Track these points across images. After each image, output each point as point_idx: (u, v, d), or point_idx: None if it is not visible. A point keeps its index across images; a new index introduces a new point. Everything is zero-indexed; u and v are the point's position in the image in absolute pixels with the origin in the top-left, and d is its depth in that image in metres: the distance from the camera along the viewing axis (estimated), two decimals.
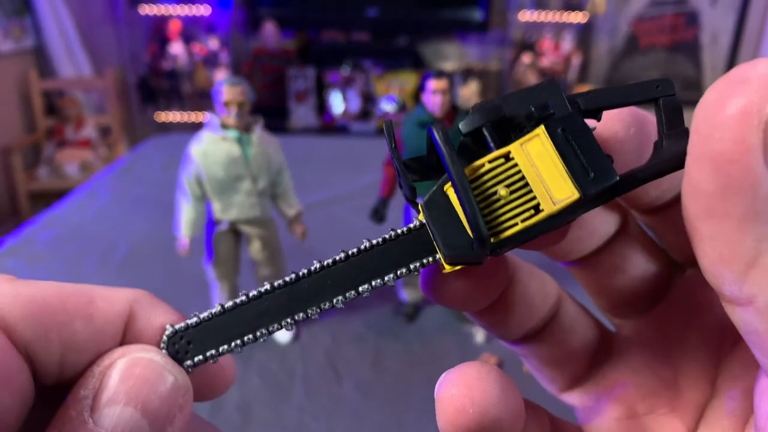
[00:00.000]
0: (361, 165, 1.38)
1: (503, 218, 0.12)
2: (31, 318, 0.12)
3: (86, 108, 2.40)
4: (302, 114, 2.31)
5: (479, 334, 0.73)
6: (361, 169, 1.34)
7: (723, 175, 0.10)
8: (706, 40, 2.67)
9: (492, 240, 0.12)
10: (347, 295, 0.14)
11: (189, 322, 0.13)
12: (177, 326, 0.13)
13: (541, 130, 0.11)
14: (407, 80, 2.36)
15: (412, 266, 0.13)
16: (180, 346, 0.13)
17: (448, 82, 0.67)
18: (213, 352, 0.13)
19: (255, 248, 0.70)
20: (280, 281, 0.14)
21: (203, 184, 0.65)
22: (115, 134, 2.32)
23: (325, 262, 0.14)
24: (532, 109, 0.11)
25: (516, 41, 2.55)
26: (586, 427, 0.16)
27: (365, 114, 2.39)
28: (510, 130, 0.12)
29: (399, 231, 0.13)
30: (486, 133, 0.12)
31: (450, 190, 0.12)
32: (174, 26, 2.39)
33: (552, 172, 0.11)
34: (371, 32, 2.48)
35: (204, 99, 2.45)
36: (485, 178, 0.12)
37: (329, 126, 2.34)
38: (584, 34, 2.68)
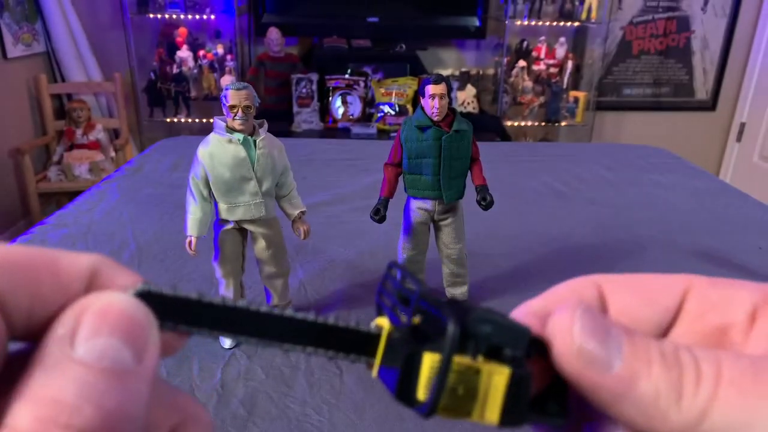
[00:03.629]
0: (362, 166, 1.40)
1: (447, 402, 0.15)
2: (2, 273, 0.12)
3: (95, 112, 2.44)
4: (305, 117, 2.34)
5: None
6: (362, 171, 1.36)
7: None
8: (698, 45, 2.69)
9: (438, 412, 0.15)
10: (294, 348, 0.16)
11: (164, 290, 0.14)
12: (151, 287, 0.14)
13: (509, 371, 0.15)
14: (407, 85, 2.39)
15: (351, 357, 0.16)
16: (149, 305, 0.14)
17: (446, 86, 0.69)
18: (179, 326, 0.14)
19: (260, 247, 0.72)
20: (259, 309, 0.15)
21: (210, 185, 0.67)
22: (124, 137, 2.36)
23: (297, 317, 0.16)
24: (510, 353, 0.15)
25: (511, 47, 2.58)
26: None
27: (366, 117, 2.41)
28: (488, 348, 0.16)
29: (360, 328, 0.16)
30: (476, 349, 0.15)
31: (426, 360, 0.15)
32: (181, 32, 2.42)
33: (494, 398, 0.15)
34: (372, 39, 2.51)
35: (210, 103, 2.48)
36: (456, 373, 0.15)
37: (331, 129, 2.37)
38: (578, 40, 2.70)
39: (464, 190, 0.74)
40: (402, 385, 0.15)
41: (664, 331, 0.17)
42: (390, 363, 0.16)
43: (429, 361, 0.15)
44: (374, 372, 0.16)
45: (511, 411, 0.15)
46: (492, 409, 0.15)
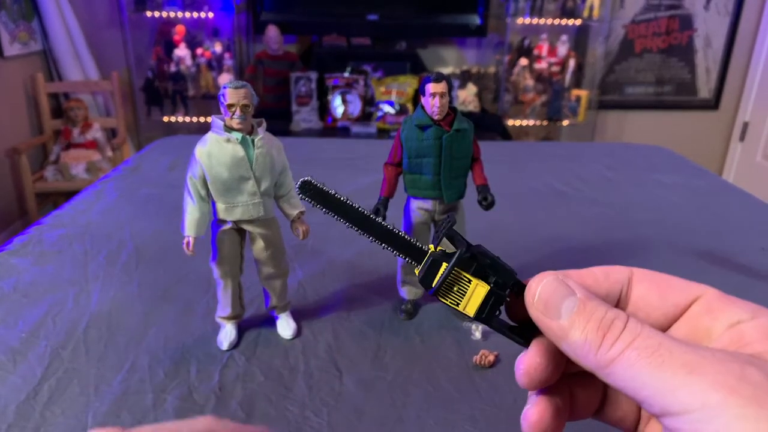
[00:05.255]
0: (361, 166, 1.39)
1: (445, 292, 0.27)
2: None
3: (92, 111, 2.43)
4: (305, 116, 2.33)
5: (477, 331, 0.74)
6: (361, 170, 1.36)
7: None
8: (700, 44, 2.68)
9: (438, 294, 0.27)
10: (379, 243, 0.31)
11: (322, 185, 0.32)
12: (312, 180, 0.32)
13: (488, 288, 0.26)
14: (407, 83, 2.38)
15: (408, 259, 0.30)
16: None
17: (447, 85, 0.68)
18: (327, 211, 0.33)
19: (258, 247, 0.71)
20: (373, 216, 0.32)
21: (208, 185, 0.66)
22: (121, 136, 2.35)
23: (390, 228, 0.31)
24: (495, 279, 0.26)
25: (513, 45, 2.57)
26: None
27: (366, 116, 2.40)
28: (480, 267, 0.27)
29: (420, 246, 0.29)
30: (474, 270, 0.27)
31: (442, 266, 0.27)
32: (179, 30, 2.41)
33: (476, 299, 0.26)
34: (372, 37, 2.50)
35: (208, 102, 2.48)
36: (455, 277, 0.27)
37: (331, 128, 2.36)
38: (580, 38, 2.69)
39: (465, 190, 0.74)
40: (426, 277, 0.27)
41: (671, 322, 0.23)
42: (425, 266, 0.28)
43: (443, 268, 0.27)
44: (417, 272, 0.28)
45: (482, 311, 0.26)
46: (472, 307, 0.26)
